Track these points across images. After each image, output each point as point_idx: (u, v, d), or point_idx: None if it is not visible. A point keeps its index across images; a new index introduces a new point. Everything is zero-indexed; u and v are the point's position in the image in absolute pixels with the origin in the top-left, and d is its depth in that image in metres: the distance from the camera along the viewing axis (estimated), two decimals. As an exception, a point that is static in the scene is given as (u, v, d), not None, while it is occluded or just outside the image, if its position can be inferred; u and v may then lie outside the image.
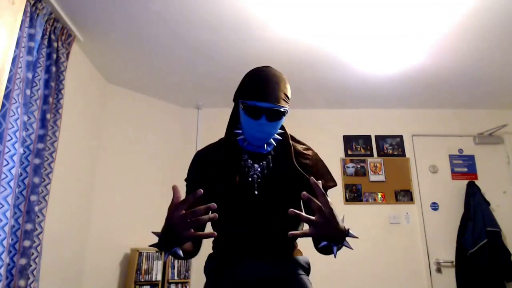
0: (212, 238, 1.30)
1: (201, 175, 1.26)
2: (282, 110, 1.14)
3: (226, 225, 1.23)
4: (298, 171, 1.21)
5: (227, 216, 1.22)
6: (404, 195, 3.70)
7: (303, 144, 1.32)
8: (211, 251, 1.32)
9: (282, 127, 1.27)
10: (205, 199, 1.23)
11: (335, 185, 1.28)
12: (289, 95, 1.18)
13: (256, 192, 1.19)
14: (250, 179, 1.20)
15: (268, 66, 1.20)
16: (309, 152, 1.30)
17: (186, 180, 1.30)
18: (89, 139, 3.12)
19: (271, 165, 1.22)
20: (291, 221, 1.23)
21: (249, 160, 1.23)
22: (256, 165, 1.22)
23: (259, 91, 1.12)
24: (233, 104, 1.27)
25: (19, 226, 2.03)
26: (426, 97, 3.71)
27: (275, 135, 1.23)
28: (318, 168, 1.27)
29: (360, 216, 3.62)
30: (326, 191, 1.24)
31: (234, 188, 1.20)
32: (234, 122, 1.26)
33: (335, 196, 3.62)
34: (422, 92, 3.57)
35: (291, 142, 1.27)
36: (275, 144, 1.24)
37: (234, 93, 1.23)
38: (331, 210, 0.94)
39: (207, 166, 1.26)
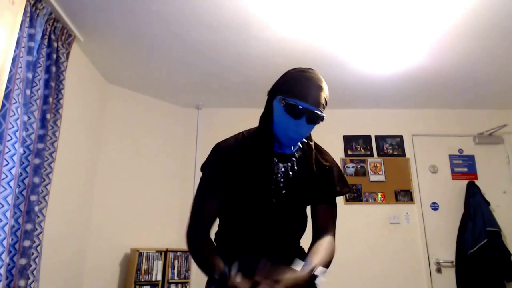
0: (215, 231, 1.31)
1: (221, 167, 1.22)
2: (322, 115, 1.14)
3: (237, 221, 1.24)
4: (316, 176, 1.24)
5: (242, 212, 1.23)
6: (404, 195, 3.70)
7: (323, 149, 1.35)
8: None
9: None
10: (222, 191, 1.23)
11: (349, 191, 1.32)
12: (328, 101, 1.18)
13: (274, 193, 1.20)
14: (274, 177, 1.21)
15: (312, 69, 1.20)
16: (328, 157, 1.32)
17: (203, 167, 1.26)
18: (89, 139, 3.12)
19: (295, 168, 1.24)
20: (300, 222, 1.28)
21: (275, 159, 1.23)
22: (280, 165, 1.23)
23: (305, 91, 1.11)
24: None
25: (19, 226, 2.03)
26: (426, 97, 3.71)
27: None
28: (335, 173, 1.29)
29: (360, 216, 3.62)
30: (339, 195, 1.29)
31: (257, 186, 1.20)
32: (268, 117, 1.22)
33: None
34: (422, 92, 3.57)
35: (313, 146, 1.28)
36: (301, 146, 1.26)
37: (272, 87, 1.21)
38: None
39: (231, 161, 1.21)
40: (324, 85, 1.16)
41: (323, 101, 1.14)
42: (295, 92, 1.12)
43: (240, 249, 1.22)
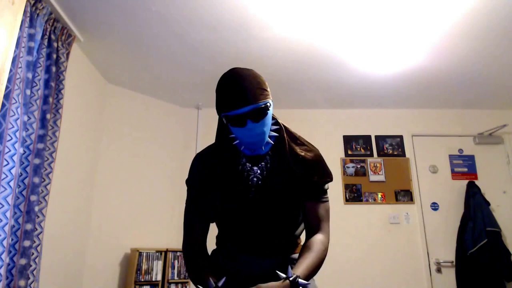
0: (216, 234, 1.33)
1: (202, 178, 1.25)
2: (262, 105, 1.09)
3: (228, 225, 1.26)
4: (293, 169, 1.19)
5: (229, 218, 1.24)
6: (404, 195, 3.70)
7: (301, 138, 1.28)
8: (215, 247, 1.35)
9: (277, 123, 1.23)
10: (207, 201, 1.24)
11: (330, 180, 1.24)
12: (265, 87, 1.12)
13: (254, 196, 1.18)
14: (250, 182, 1.19)
15: (233, 69, 1.14)
16: (306, 147, 1.25)
17: (187, 182, 1.29)
18: (89, 139, 3.12)
19: (269, 165, 1.21)
20: (290, 220, 1.25)
21: (248, 164, 1.21)
22: (255, 168, 1.20)
23: (231, 99, 1.07)
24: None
25: (19, 226, 2.03)
26: (426, 97, 3.71)
27: (271, 132, 1.20)
28: (314, 162, 1.23)
29: (360, 216, 3.62)
30: (321, 187, 1.23)
31: (234, 192, 1.20)
32: (224, 130, 1.23)
33: (335, 196, 3.63)
34: (422, 92, 3.57)
35: (286, 138, 1.23)
36: (272, 143, 1.21)
37: (215, 107, 1.18)
38: None
39: (207, 169, 1.24)
40: (251, 77, 1.10)
41: (257, 92, 1.09)
42: (226, 104, 1.09)
43: (237, 250, 1.24)
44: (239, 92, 1.07)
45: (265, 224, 1.21)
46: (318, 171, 1.23)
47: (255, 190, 1.19)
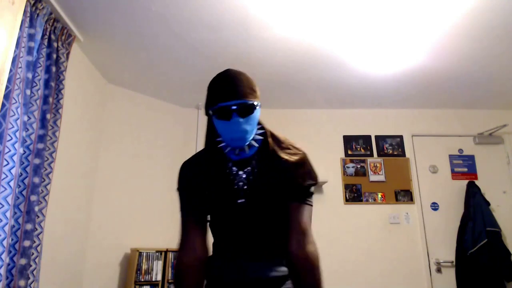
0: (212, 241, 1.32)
1: (190, 184, 1.26)
2: (250, 103, 1.13)
3: (218, 230, 1.27)
4: (276, 173, 1.20)
5: (219, 223, 1.25)
6: (404, 195, 3.70)
7: (286, 141, 1.28)
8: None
9: (263, 128, 1.25)
10: (197, 206, 1.25)
11: (315, 183, 1.24)
12: (256, 89, 1.17)
13: (241, 200, 1.19)
14: (236, 187, 1.20)
15: (227, 69, 1.19)
16: (291, 150, 1.25)
17: (177, 190, 1.31)
18: (89, 139, 3.12)
19: (255, 170, 1.21)
20: (278, 224, 1.24)
21: (234, 168, 1.22)
22: (240, 172, 1.21)
23: (222, 91, 1.13)
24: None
25: (19, 226, 2.03)
26: (426, 97, 3.71)
27: (256, 135, 1.21)
28: (297, 165, 1.22)
29: (360, 216, 3.62)
30: (305, 189, 1.22)
31: (222, 196, 1.21)
32: (212, 133, 1.26)
33: (335, 196, 3.63)
34: (422, 92, 3.57)
35: (270, 141, 1.24)
36: (257, 146, 1.22)
37: (204, 106, 1.22)
38: None
39: (195, 174, 1.26)
40: (244, 77, 1.16)
41: (248, 91, 1.14)
42: (217, 97, 1.13)
43: (230, 254, 1.23)
44: (229, 86, 1.12)
45: (253, 228, 1.21)
46: (302, 174, 1.22)
47: (243, 195, 1.19)
